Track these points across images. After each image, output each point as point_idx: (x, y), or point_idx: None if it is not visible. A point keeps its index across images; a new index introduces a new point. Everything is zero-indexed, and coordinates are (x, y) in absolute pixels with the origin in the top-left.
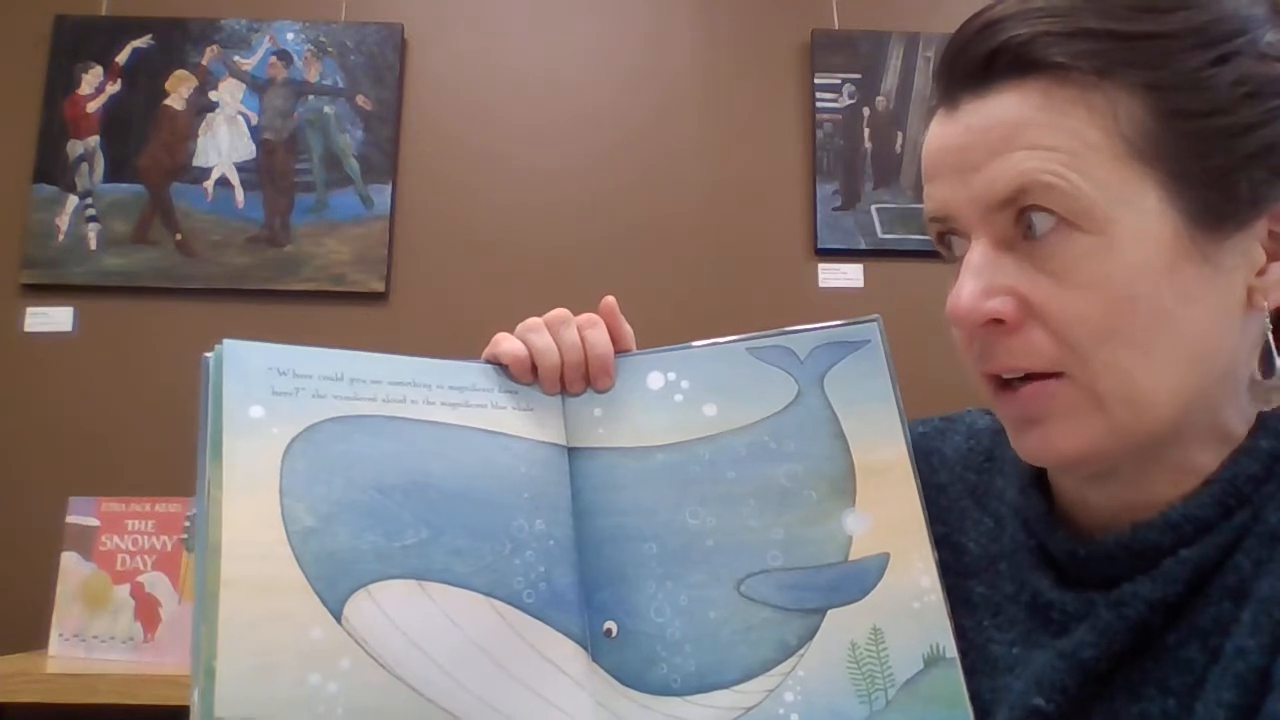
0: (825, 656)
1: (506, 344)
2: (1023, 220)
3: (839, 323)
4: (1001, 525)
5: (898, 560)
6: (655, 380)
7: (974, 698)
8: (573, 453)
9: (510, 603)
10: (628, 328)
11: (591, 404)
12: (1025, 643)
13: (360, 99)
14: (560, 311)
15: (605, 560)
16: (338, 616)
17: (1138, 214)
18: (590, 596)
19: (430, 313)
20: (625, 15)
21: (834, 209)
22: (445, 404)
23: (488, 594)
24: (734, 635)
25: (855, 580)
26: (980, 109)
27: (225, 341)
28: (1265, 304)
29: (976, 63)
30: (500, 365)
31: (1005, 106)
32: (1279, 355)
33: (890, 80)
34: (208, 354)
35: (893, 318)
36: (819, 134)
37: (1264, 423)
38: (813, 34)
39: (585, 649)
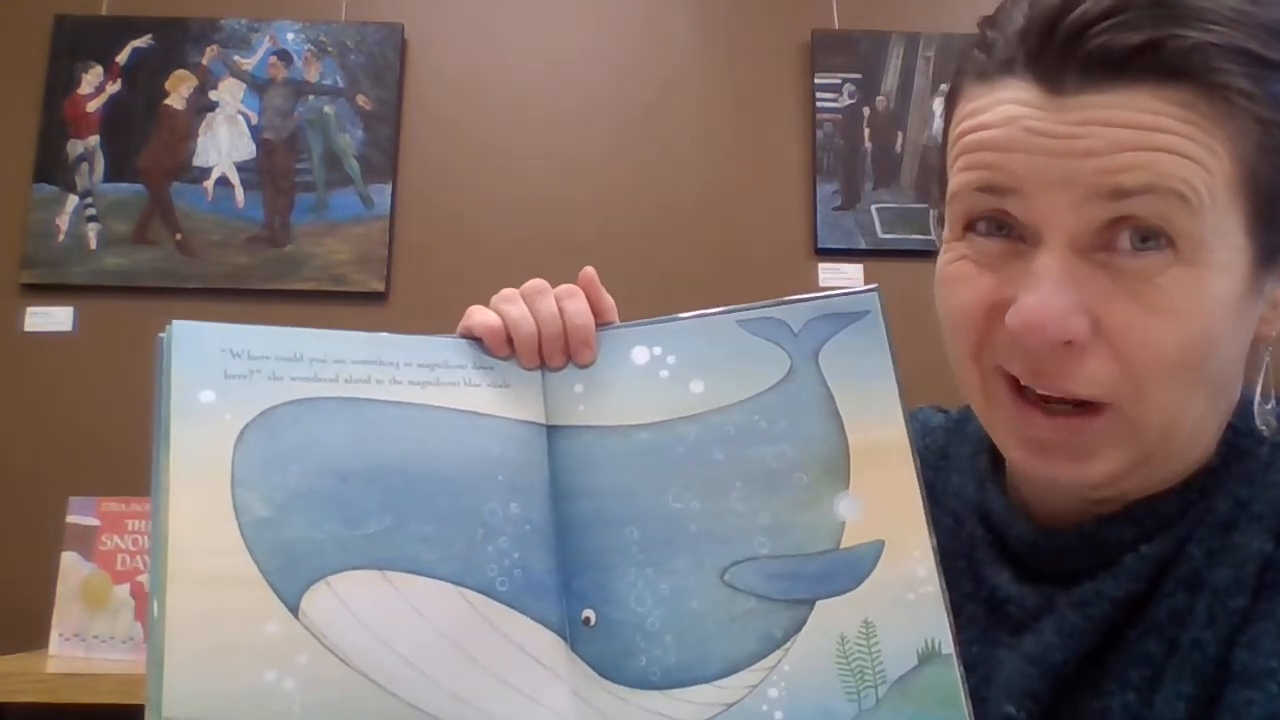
0: (812, 651)
1: (479, 315)
2: (1119, 227)
3: (836, 292)
4: (960, 523)
5: (893, 548)
6: (640, 355)
7: None
8: (552, 431)
9: (482, 591)
10: (609, 299)
11: (572, 379)
12: (984, 641)
13: (360, 99)
14: (536, 281)
15: (585, 545)
16: (294, 610)
17: (1229, 248)
18: (569, 583)
19: (430, 313)
20: (625, 15)
21: (834, 209)
22: (413, 383)
23: (457, 583)
24: (716, 627)
25: (847, 569)
26: (1103, 103)
27: (174, 322)
28: (1270, 333)
29: (1107, 54)
30: (474, 339)
31: (1139, 105)
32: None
33: (890, 80)
34: (162, 334)
35: (893, 317)
36: (819, 134)
37: (1231, 423)
38: (813, 34)
39: (564, 638)
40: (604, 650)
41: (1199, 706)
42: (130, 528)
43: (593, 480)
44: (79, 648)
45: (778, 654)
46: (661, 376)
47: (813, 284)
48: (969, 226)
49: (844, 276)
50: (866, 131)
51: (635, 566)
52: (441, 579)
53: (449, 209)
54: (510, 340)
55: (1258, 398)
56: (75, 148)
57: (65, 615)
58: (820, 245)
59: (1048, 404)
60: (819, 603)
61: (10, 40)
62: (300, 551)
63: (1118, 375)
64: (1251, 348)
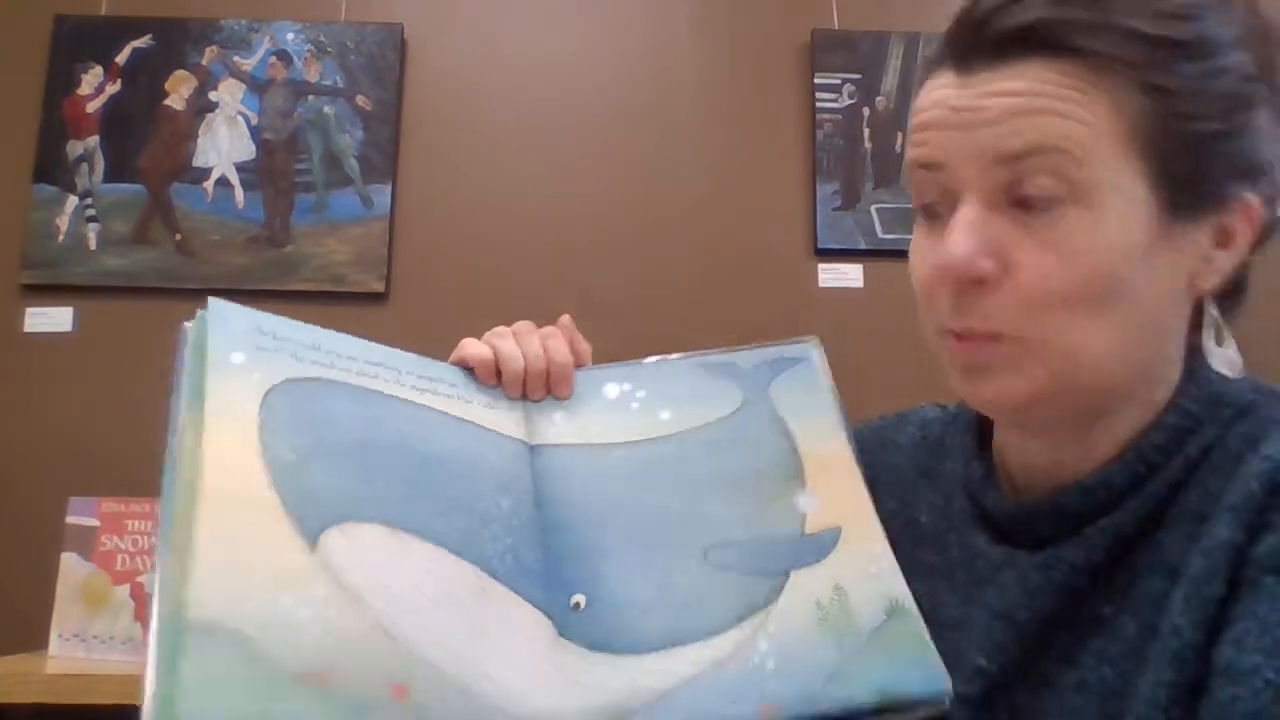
0: (793, 610)
1: (472, 348)
2: (1022, 184)
3: (780, 342)
4: (950, 500)
5: (850, 532)
6: (612, 390)
7: None
8: (534, 449)
9: (481, 567)
10: (585, 344)
11: (552, 409)
12: (966, 601)
13: (360, 99)
14: (524, 323)
15: (569, 541)
16: (312, 546)
17: (1127, 199)
18: (554, 575)
19: (430, 313)
20: (625, 16)
21: (834, 209)
22: (415, 388)
23: (459, 554)
24: (704, 595)
25: (812, 548)
26: (999, 77)
27: (211, 300)
28: (1205, 286)
29: (1002, 35)
30: (466, 368)
31: (1029, 76)
32: (1226, 328)
33: (890, 80)
34: (187, 323)
35: (893, 317)
36: (819, 134)
37: (1179, 400)
38: (813, 34)
39: (553, 623)
40: (596, 628)
41: (1180, 692)
42: (130, 528)
43: (575, 486)
44: (79, 648)
45: (762, 615)
46: (633, 407)
47: (813, 284)
48: (922, 208)
49: (844, 277)
50: (866, 132)
51: (623, 553)
52: (445, 547)
53: (449, 209)
54: (498, 372)
55: (1211, 346)
56: (75, 148)
57: (65, 616)
58: (820, 245)
59: (967, 338)
60: (793, 573)
61: (10, 41)
62: (319, 496)
63: (1021, 309)
64: (1194, 306)
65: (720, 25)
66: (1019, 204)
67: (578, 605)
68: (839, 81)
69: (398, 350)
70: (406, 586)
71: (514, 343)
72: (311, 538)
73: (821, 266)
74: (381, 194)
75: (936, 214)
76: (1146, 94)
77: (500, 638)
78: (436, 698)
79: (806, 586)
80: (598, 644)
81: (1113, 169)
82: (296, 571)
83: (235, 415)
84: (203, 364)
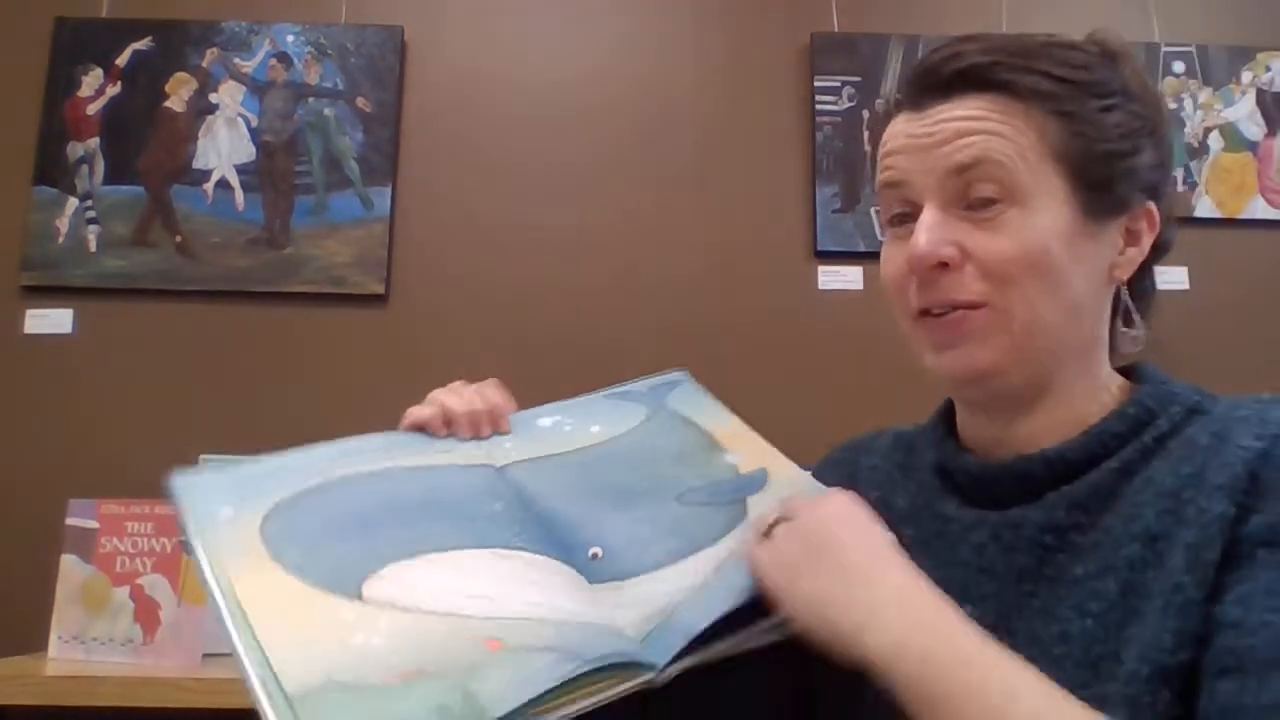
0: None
1: (418, 411)
2: (969, 191)
3: (655, 374)
4: (922, 485)
5: (773, 470)
6: (545, 421)
7: None
8: (500, 470)
9: (505, 546)
10: (511, 397)
11: (501, 441)
12: (943, 564)
13: (360, 101)
14: (458, 382)
15: (561, 521)
16: (358, 598)
17: (1051, 198)
18: (564, 543)
19: (429, 315)
20: (625, 18)
21: (833, 211)
22: (382, 460)
23: (482, 546)
24: (692, 524)
25: (753, 482)
26: (947, 109)
27: (176, 480)
28: (1122, 276)
29: (944, 78)
30: (418, 429)
31: (968, 107)
32: (1135, 312)
33: (890, 83)
34: (179, 485)
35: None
36: (819, 136)
37: (1135, 396)
38: (812, 36)
39: (582, 577)
40: (619, 567)
41: (1184, 638)
42: (130, 530)
43: (548, 484)
44: (78, 650)
45: (741, 525)
46: (566, 429)
47: (813, 286)
48: (890, 221)
49: (843, 279)
50: (866, 134)
51: (612, 515)
52: (468, 548)
53: (448, 211)
54: (447, 422)
55: (1120, 327)
56: (75, 150)
57: (65, 618)
58: (820, 248)
59: (941, 317)
60: (748, 499)
61: (10, 43)
62: (343, 565)
63: (983, 282)
64: (1116, 294)
65: (720, 28)
66: (969, 207)
67: (595, 555)
68: (839, 84)
69: (353, 440)
70: (453, 582)
71: (455, 396)
72: (354, 594)
73: (821, 268)
74: (381, 196)
75: (902, 225)
76: (1059, 119)
77: (549, 584)
78: (530, 634)
79: (761, 505)
80: (626, 573)
81: (1039, 176)
82: (353, 618)
83: (245, 552)
84: (196, 524)
